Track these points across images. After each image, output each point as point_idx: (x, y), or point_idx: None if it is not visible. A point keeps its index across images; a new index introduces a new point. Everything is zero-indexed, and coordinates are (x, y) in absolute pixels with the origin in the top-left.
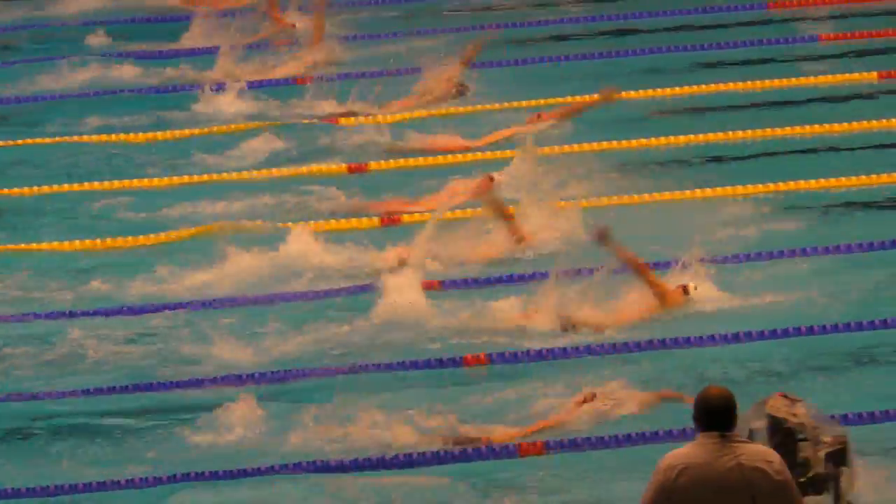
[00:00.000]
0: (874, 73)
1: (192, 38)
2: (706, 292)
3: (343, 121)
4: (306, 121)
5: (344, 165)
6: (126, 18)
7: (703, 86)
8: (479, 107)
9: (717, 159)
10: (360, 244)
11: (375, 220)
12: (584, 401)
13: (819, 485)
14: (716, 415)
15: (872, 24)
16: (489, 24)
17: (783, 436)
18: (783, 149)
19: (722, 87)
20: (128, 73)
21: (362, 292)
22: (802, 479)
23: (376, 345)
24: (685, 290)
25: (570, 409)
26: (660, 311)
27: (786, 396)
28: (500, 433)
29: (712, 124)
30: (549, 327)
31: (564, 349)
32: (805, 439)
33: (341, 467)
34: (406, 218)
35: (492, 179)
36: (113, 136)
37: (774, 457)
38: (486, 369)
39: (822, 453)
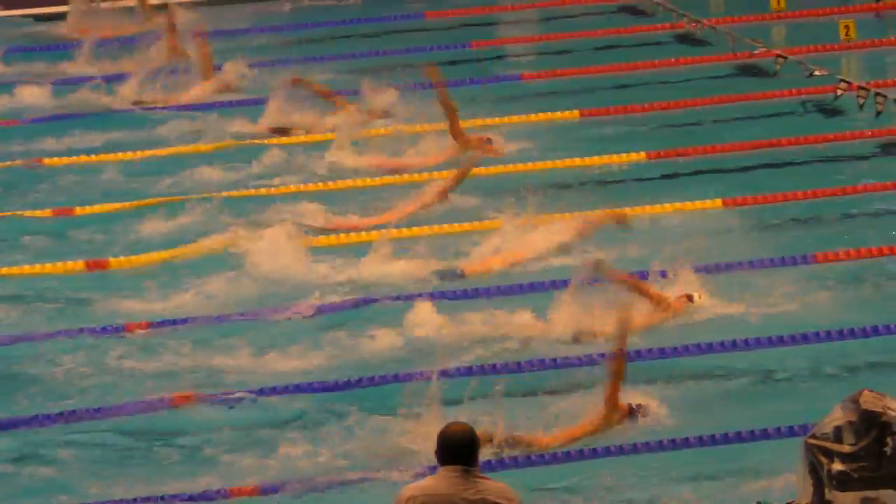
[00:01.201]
0: None
1: (82, 66)
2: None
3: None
4: (257, 141)
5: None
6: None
7: None
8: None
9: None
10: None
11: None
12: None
13: None
14: (457, 449)
15: None
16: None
17: (879, 429)
18: None
19: None
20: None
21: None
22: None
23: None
24: (689, 298)
25: (602, 416)
26: (667, 321)
27: (873, 392)
28: (537, 439)
29: None
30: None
31: (579, 358)
32: None
33: None
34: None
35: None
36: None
37: (513, 494)
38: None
39: None
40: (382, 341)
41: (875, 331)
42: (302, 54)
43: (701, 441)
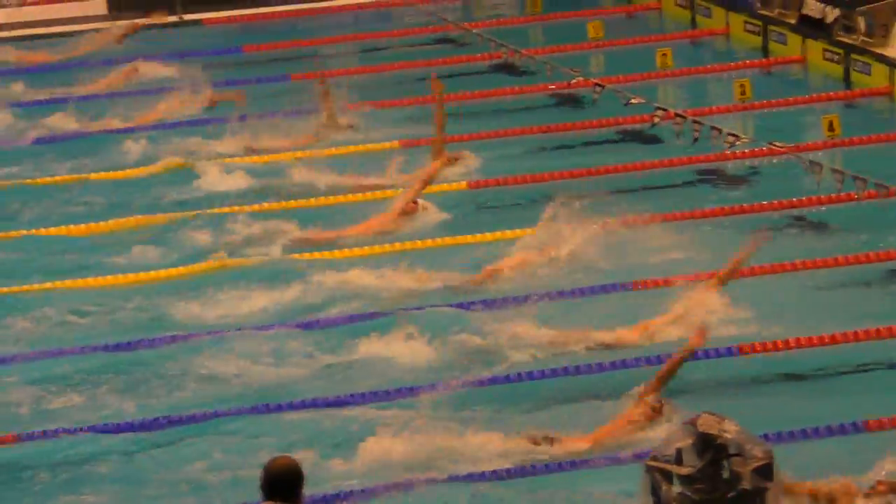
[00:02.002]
0: None
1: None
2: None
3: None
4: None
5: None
6: None
7: None
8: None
9: None
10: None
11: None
12: (653, 410)
13: (747, 500)
14: (277, 484)
15: None
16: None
17: (715, 451)
18: None
19: None
20: None
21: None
22: (731, 495)
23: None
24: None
25: (632, 418)
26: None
27: (714, 414)
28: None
29: None
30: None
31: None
32: (737, 454)
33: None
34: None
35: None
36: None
37: None
38: None
39: (750, 468)
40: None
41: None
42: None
43: None
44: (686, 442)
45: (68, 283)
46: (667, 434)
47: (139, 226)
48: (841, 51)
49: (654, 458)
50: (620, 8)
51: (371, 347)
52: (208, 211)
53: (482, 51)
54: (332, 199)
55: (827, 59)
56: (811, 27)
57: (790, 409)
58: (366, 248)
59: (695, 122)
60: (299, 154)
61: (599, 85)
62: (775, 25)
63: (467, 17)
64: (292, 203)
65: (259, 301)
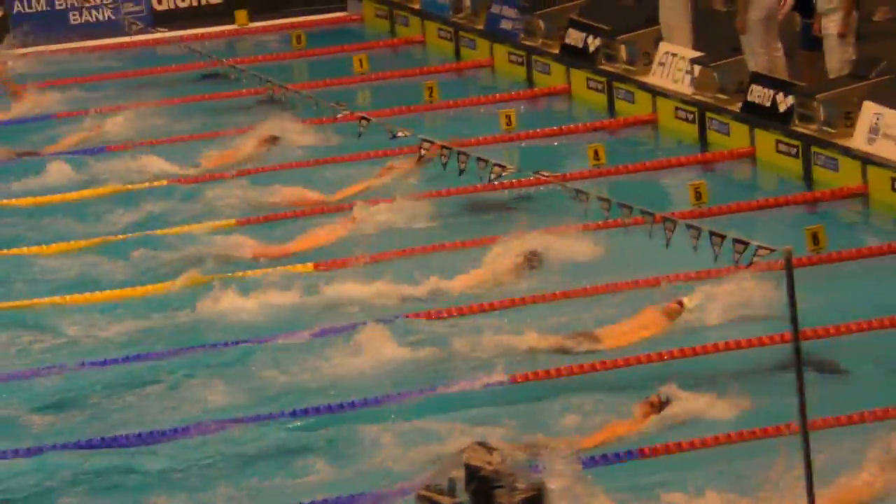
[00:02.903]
0: None
1: None
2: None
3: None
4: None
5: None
6: None
7: None
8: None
9: None
10: None
11: None
12: (653, 407)
13: None
14: None
15: None
16: None
17: (479, 483)
18: None
19: None
20: None
21: None
22: None
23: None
24: (680, 303)
25: (638, 418)
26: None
27: (483, 445)
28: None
29: None
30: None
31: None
32: (501, 486)
33: None
34: None
35: None
36: None
37: None
38: None
39: (517, 499)
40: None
41: None
42: None
43: None
44: (459, 472)
45: None
46: (442, 463)
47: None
48: (604, 80)
49: (427, 488)
50: (385, 42)
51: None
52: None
53: (249, 86)
54: None
55: (591, 88)
56: (574, 57)
57: None
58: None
59: (461, 153)
60: None
61: (365, 118)
62: (539, 56)
63: (231, 53)
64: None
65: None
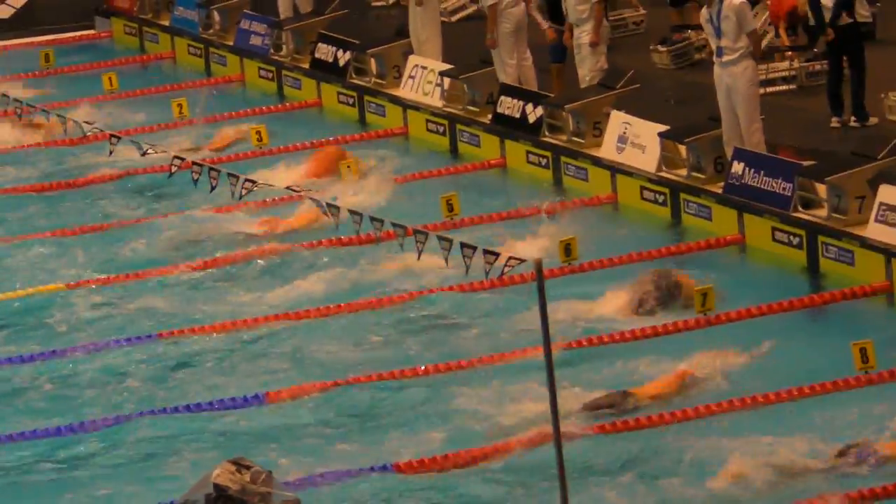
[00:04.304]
0: None
1: None
2: None
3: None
4: None
5: None
6: None
7: None
8: None
9: None
10: None
11: None
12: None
13: None
14: None
15: None
16: None
17: (224, 501)
18: None
19: None
20: None
21: None
22: None
23: None
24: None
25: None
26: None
27: (236, 463)
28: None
29: None
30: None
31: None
32: None
33: None
34: None
35: None
36: None
37: None
38: None
39: None
40: None
41: None
42: None
43: None
44: (205, 492)
45: None
46: (197, 480)
47: None
48: (354, 93)
49: (185, 502)
50: (134, 58)
51: None
52: None
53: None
54: None
55: (342, 103)
56: (325, 71)
57: None
58: None
59: (212, 170)
60: None
61: (115, 136)
62: (289, 71)
63: None
64: None
65: None
